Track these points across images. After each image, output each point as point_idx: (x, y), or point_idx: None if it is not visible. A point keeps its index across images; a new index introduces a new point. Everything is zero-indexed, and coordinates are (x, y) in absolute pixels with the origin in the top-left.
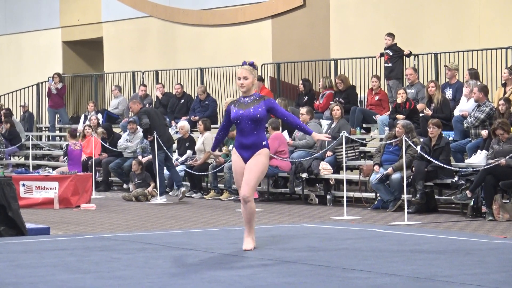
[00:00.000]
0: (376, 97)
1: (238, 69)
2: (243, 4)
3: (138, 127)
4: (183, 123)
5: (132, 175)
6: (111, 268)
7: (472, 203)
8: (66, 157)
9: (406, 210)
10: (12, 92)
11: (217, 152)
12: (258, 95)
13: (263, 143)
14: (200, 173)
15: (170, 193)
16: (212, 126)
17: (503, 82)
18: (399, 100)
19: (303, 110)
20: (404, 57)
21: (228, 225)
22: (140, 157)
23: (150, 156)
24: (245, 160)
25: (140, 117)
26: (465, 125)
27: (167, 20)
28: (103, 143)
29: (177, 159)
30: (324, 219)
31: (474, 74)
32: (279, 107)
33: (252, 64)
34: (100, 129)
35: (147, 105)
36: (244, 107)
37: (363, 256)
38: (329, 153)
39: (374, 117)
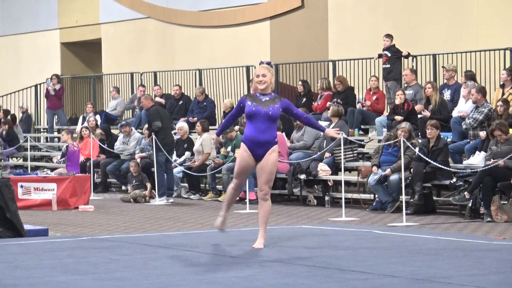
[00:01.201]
0: (374, 97)
1: (256, 68)
2: (241, 5)
3: (133, 128)
4: (182, 124)
5: (130, 176)
6: (110, 269)
7: (470, 204)
8: (64, 158)
9: (404, 211)
10: (10, 94)
11: (219, 138)
12: (275, 94)
13: (276, 140)
14: (199, 174)
15: None
16: (210, 127)
17: (501, 83)
18: (397, 101)
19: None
20: (403, 58)
21: (226, 226)
22: (136, 156)
23: (143, 154)
24: (258, 157)
25: (152, 117)
26: (464, 126)
27: (165, 21)
28: (101, 144)
29: (175, 160)
30: (322, 220)
31: (470, 76)
32: (294, 107)
33: (269, 64)
34: (98, 131)
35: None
36: (262, 104)
37: (361, 257)
38: (327, 155)
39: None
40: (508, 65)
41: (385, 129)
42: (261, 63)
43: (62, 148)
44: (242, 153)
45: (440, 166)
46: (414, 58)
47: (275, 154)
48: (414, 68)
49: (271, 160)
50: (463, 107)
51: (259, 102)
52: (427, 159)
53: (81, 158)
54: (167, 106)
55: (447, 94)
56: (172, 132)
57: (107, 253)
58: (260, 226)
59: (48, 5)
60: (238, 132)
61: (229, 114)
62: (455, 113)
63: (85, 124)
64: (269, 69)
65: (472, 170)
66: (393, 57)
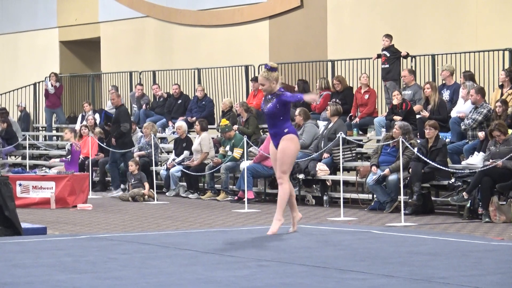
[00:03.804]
0: (366, 96)
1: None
2: (240, 4)
3: (137, 127)
4: (181, 123)
5: (129, 175)
6: (108, 268)
7: (468, 205)
8: (69, 156)
9: (402, 211)
10: (9, 92)
11: None
12: (279, 90)
13: (285, 131)
14: (197, 174)
15: (167, 193)
16: (209, 126)
17: (500, 84)
18: (394, 102)
19: (296, 112)
20: (401, 58)
21: (225, 225)
22: (135, 154)
23: (142, 152)
24: (276, 146)
25: (124, 117)
26: (463, 126)
27: (164, 20)
28: (100, 143)
29: (173, 159)
30: (320, 220)
31: (469, 76)
32: (287, 97)
33: (269, 68)
34: (97, 129)
35: (143, 106)
36: (266, 104)
37: (359, 257)
38: (326, 155)
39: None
40: (507, 65)
41: (383, 129)
42: (266, 66)
43: (66, 145)
44: (270, 147)
45: (438, 166)
46: (413, 59)
47: (285, 142)
48: (413, 68)
49: (281, 147)
50: (462, 108)
51: (266, 102)
52: (425, 159)
53: (80, 157)
54: (165, 105)
55: (446, 95)
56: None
57: (105, 252)
58: (276, 209)
59: (47, 4)
60: (237, 132)
61: None
62: (454, 114)
63: (84, 122)
64: (266, 76)
65: (471, 171)
66: (392, 57)
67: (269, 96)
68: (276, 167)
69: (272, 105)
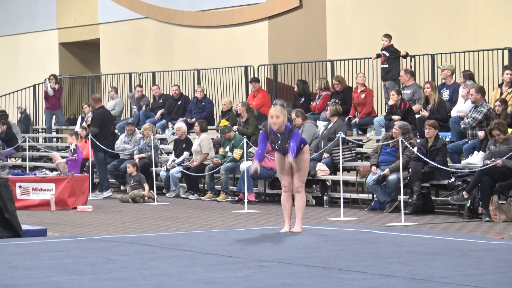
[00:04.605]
0: (363, 95)
1: (271, 109)
2: (239, 5)
3: (136, 129)
4: (180, 124)
5: (128, 177)
6: (108, 269)
7: (468, 204)
8: (75, 155)
9: (402, 211)
10: (9, 94)
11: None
12: (287, 129)
13: (301, 146)
14: (197, 174)
15: (167, 194)
16: (208, 127)
17: (500, 83)
18: (391, 102)
19: (293, 113)
20: (401, 58)
21: (225, 226)
22: (135, 157)
23: (143, 155)
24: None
25: (94, 121)
26: (462, 126)
27: (164, 21)
28: (99, 144)
29: (173, 160)
30: (320, 220)
31: (468, 76)
32: (292, 140)
33: (283, 105)
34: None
35: (143, 107)
36: (279, 144)
37: (359, 257)
38: (325, 155)
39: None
40: (506, 64)
41: (383, 129)
42: (275, 104)
43: (71, 146)
44: (277, 157)
45: (438, 166)
46: (412, 58)
47: (304, 155)
48: (412, 68)
49: (301, 159)
50: (462, 107)
51: (279, 145)
52: (425, 159)
53: None
54: (165, 106)
55: (445, 94)
56: (121, 133)
57: (105, 253)
58: (296, 214)
59: (47, 5)
60: (237, 132)
61: (260, 146)
62: (454, 113)
63: (84, 124)
64: (282, 111)
65: (471, 170)
66: (391, 57)
67: (279, 135)
68: (284, 175)
69: (292, 148)
